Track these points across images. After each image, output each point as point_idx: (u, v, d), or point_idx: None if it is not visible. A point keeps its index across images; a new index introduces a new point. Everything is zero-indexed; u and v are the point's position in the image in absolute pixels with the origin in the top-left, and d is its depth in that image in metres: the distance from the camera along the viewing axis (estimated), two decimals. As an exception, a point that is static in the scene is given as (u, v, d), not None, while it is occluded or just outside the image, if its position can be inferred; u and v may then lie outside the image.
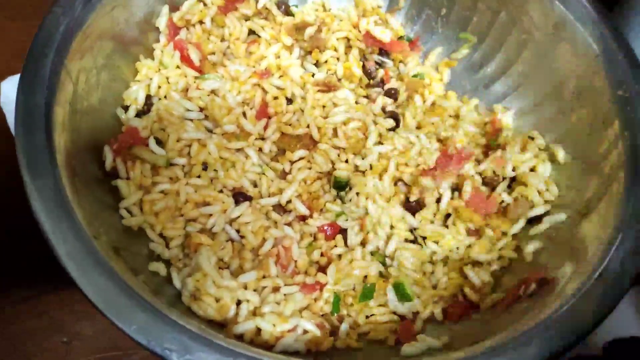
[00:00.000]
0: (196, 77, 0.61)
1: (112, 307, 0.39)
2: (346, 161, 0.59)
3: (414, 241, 0.57)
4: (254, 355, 0.39)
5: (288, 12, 0.68)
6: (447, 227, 0.57)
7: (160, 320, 0.39)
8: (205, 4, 0.63)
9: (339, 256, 0.54)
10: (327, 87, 0.63)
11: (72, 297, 0.59)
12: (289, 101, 0.62)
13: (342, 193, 0.59)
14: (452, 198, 0.57)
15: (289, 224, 0.55)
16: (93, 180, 0.51)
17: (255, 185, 0.57)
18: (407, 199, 0.58)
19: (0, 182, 0.57)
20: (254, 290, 0.49)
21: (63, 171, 0.44)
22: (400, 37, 0.69)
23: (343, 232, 0.56)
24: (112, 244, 0.45)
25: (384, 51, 0.67)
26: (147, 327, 0.39)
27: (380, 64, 0.68)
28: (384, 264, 0.54)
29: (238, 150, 0.58)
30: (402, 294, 0.51)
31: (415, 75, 0.67)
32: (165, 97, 0.59)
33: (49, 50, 0.48)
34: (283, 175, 0.59)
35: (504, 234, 0.57)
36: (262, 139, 0.59)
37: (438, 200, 0.58)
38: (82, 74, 0.51)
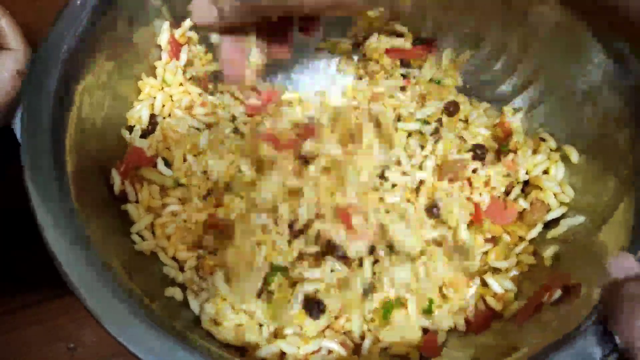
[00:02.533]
0: (200, 94, 0.60)
1: (129, 335, 0.39)
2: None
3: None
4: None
5: None
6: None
7: (179, 346, 0.38)
8: None
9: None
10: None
11: (74, 304, 0.58)
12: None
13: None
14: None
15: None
16: (101, 203, 0.49)
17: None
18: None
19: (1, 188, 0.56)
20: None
21: (72, 194, 0.44)
22: (415, 42, 0.68)
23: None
24: (124, 269, 0.44)
25: (405, 61, 0.67)
26: (164, 354, 0.38)
27: (405, 76, 0.67)
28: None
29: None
30: (424, 307, 0.50)
31: (431, 80, 0.66)
32: (169, 115, 0.58)
33: (57, 54, 0.47)
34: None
35: (521, 238, 0.56)
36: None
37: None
38: (85, 93, 0.50)
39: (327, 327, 0.48)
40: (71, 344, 0.57)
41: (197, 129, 0.59)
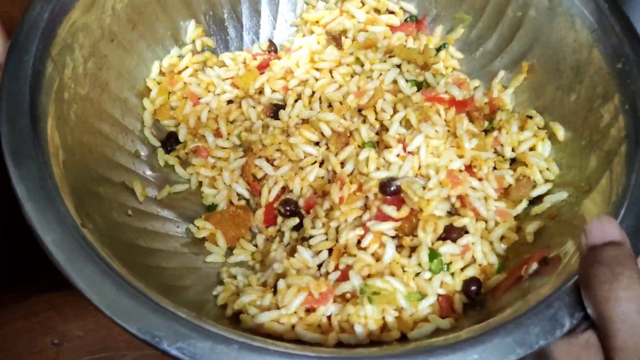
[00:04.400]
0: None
1: (102, 297, 0.38)
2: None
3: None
4: (247, 342, 0.38)
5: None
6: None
7: (151, 307, 0.38)
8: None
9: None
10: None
11: (60, 299, 0.59)
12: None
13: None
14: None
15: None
16: (83, 173, 0.49)
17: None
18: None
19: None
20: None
21: (54, 160, 0.44)
22: (406, 19, 0.68)
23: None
24: (101, 232, 0.44)
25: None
26: (137, 315, 0.38)
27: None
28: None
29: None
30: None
31: None
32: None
33: (33, 37, 0.47)
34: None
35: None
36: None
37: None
38: (68, 62, 0.50)
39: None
40: (56, 339, 0.57)
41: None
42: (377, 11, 0.67)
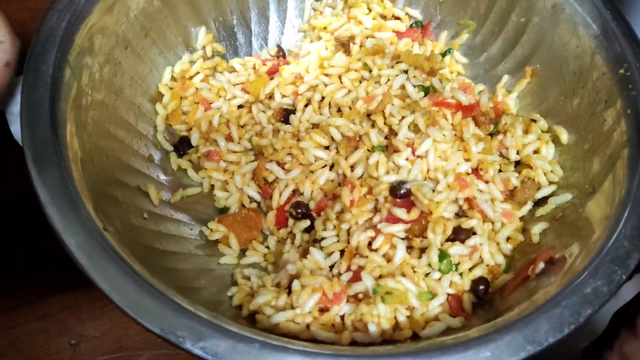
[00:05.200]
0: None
1: (125, 298, 0.39)
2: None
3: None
4: (268, 341, 0.39)
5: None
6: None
7: (172, 308, 0.39)
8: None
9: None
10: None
11: (76, 299, 0.60)
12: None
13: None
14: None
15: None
16: (101, 177, 0.51)
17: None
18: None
19: (4, 187, 0.57)
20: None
21: (74, 165, 0.45)
22: (412, 25, 0.69)
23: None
24: (121, 235, 0.45)
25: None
26: (159, 315, 0.39)
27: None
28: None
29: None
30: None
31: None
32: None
33: (51, 46, 0.48)
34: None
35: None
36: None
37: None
38: (85, 69, 0.51)
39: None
40: (73, 339, 0.58)
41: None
42: (383, 17, 0.69)
